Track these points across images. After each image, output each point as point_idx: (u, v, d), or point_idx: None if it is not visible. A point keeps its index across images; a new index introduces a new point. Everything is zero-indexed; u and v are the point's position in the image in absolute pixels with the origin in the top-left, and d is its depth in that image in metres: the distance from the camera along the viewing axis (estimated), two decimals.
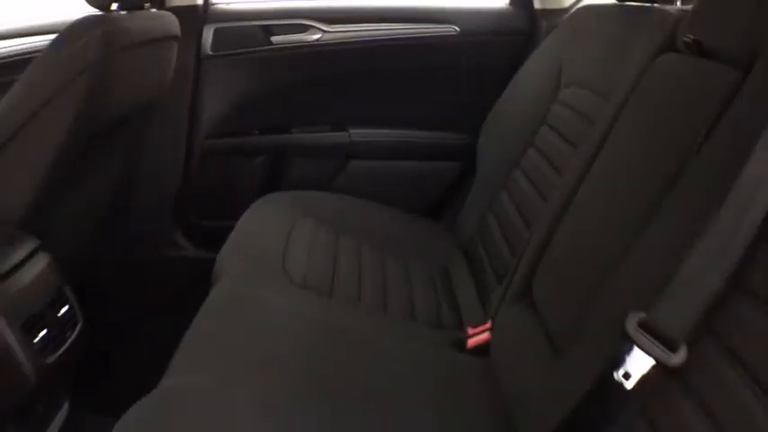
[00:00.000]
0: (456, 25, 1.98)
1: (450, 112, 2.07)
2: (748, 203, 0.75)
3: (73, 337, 1.23)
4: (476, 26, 2.00)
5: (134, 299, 1.80)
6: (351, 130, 2.07)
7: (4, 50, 1.98)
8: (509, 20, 2.03)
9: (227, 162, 2.07)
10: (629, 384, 0.81)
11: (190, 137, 2.00)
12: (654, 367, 0.79)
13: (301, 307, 1.34)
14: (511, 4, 2.06)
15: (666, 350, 0.77)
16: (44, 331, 1.15)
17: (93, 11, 1.40)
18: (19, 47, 1.98)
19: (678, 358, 0.76)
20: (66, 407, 1.38)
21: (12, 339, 1.07)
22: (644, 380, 0.80)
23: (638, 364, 0.81)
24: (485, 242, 1.64)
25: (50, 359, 1.15)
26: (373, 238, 1.73)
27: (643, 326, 0.80)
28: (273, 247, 1.54)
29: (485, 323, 1.37)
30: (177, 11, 1.71)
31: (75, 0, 1.47)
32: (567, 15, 1.78)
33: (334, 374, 1.14)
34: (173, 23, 1.63)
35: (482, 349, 1.32)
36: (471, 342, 1.34)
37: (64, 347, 1.19)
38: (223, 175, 2.08)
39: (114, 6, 1.43)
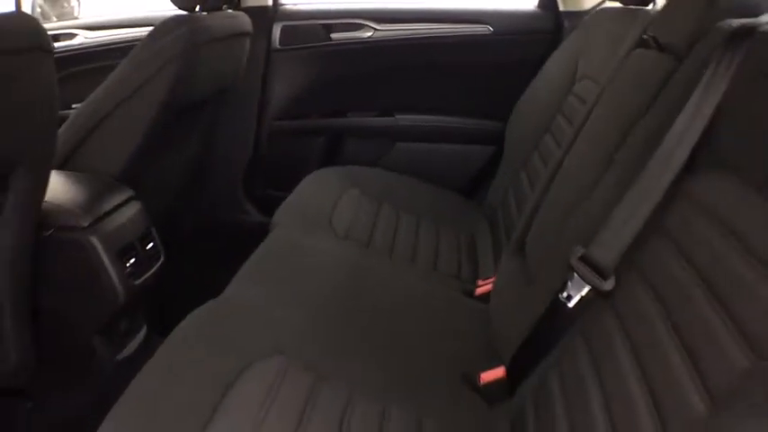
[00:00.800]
0: (490, 25, 2.13)
1: (483, 102, 2.20)
2: (667, 162, 0.92)
3: (155, 267, 1.47)
4: (507, 26, 2.14)
5: (206, 254, 1.98)
6: (397, 116, 2.23)
7: (110, 38, 2.26)
8: (536, 21, 2.16)
9: (291, 141, 2.27)
10: (570, 304, 1.00)
11: (260, 118, 2.21)
12: (589, 291, 0.97)
13: (340, 252, 1.53)
14: (538, 6, 2.18)
15: (599, 278, 0.95)
16: (133, 259, 1.40)
17: (180, 12, 1.64)
18: (122, 36, 2.26)
19: (608, 285, 0.94)
20: (144, 330, 1.58)
21: (107, 262, 1.32)
22: (582, 302, 0.99)
23: (577, 289, 0.99)
24: (504, 213, 1.80)
25: (137, 282, 1.39)
26: (411, 207, 1.88)
27: (582, 259, 0.98)
28: (322, 208, 1.72)
29: (494, 276, 1.54)
30: (250, 11, 1.94)
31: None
32: (587, 17, 1.90)
33: (358, 302, 1.34)
34: (246, 22, 1.85)
35: (487, 297, 1.48)
36: (478, 291, 1.52)
37: (148, 274, 1.44)
38: (287, 151, 2.27)
39: (197, 8, 1.67)
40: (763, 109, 0.80)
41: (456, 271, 1.64)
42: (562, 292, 1.01)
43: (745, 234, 0.71)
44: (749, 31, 0.91)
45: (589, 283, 0.96)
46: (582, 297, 0.98)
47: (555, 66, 1.90)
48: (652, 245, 0.89)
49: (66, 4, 2.47)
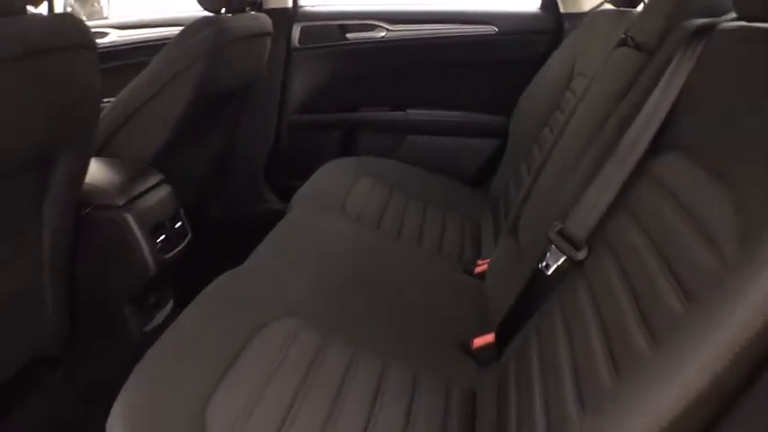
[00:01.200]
0: (495, 26, 2.22)
1: (488, 98, 2.29)
2: (633, 145, 1.01)
3: (183, 244, 1.60)
4: (511, 27, 2.23)
5: (229, 237, 2.05)
6: (408, 111, 2.34)
7: (140, 37, 2.39)
8: (539, 22, 2.25)
9: (309, 134, 2.38)
10: (548, 272, 1.10)
11: (280, 113, 2.33)
12: (565, 261, 1.07)
13: (352, 232, 1.64)
14: (541, 8, 2.27)
15: (573, 249, 1.05)
16: (163, 236, 1.52)
17: (207, 13, 1.76)
18: (151, 35, 2.38)
19: (581, 255, 1.03)
20: (171, 303, 1.69)
21: (140, 237, 1.44)
22: (559, 270, 1.09)
23: (555, 259, 1.09)
24: (505, 202, 1.89)
25: (167, 256, 1.52)
26: (420, 195, 1.97)
27: (560, 232, 1.08)
28: (336, 193, 1.82)
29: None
30: (271, 13, 2.07)
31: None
32: (585, 18, 1.99)
33: (366, 275, 1.45)
34: (267, 23, 1.97)
35: (485, 275, 1.59)
36: (477, 269, 1.62)
37: (176, 250, 1.56)
38: (306, 144, 2.38)
39: (223, 10, 1.78)
40: (713, 98, 0.90)
41: (459, 253, 1.74)
42: (542, 262, 1.11)
43: (692, 208, 0.80)
44: (708, 29, 1.01)
45: (565, 254, 1.06)
46: (558, 266, 1.08)
47: (555, 64, 1.99)
48: (618, 219, 0.98)
49: (95, 4, 2.60)
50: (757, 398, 0.54)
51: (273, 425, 0.94)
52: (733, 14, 1.06)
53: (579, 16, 2.07)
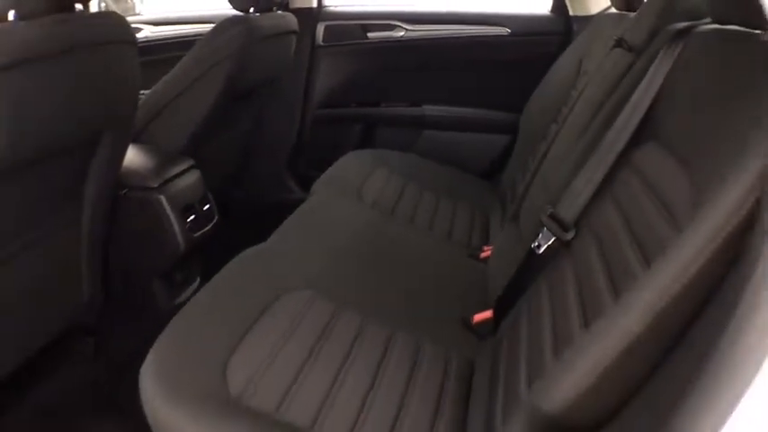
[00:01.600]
0: (508, 27, 2.30)
1: (501, 95, 2.36)
2: (617, 137, 1.10)
3: (211, 225, 1.71)
4: (523, 28, 2.31)
5: (252, 223, 2.19)
6: (424, 107, 2.43)
7: (172, 33, 2.50)
8: (549, 24, 2.32)
9: (331, 127, 2.48)
10: (539, 251, 1.19)
11: (304, 107, 2.43)
12: (555, 241, 1.16)
13: (367, 216, 1.73)
14: (551, 11, 2.34)
15: (561, 230, 1.14)
16: (192, 216, 1.63)
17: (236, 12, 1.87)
18: (183, 31, 2.50)
19: (568, 236, 1.12)
20: (197, 281, 1.79)
21: (172, 217, 1.56)
22: (549, 250, 1.18)
23: (546, 240, 1.18)
24: (512, 193, 1.96)
25: (195, 235, 1.63)
26: (433, 186, 2.05)
27: (551, 216, 1.17)
28: (354, 182, 1.91)
29: None
30: (297, 12, 2.16)
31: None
32: (593, 21, 2.05)
33: (378, 254, 1.55)
34: (293, 22, 2.07)
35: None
36: (483, 255, 1.71)
37: (205, 230, 1.67)
38: (327, 137, 2.48)
39: (251, 9, 1.89)
40: (686, 93, 0.98)
41: (467, 240, 1.81)
42: (534, 242, 1.20)
43: (660, 190, 0.89)
44: (688, 31, 1.09)
45: (555, 235, 1.15)
46: (549, 246, 1.17)
47: (563, 64, 2.06)
48: (602, 203, 1.07)
49: (128, 1, 2.74)
50: (699, 327, 0.64)
51: (287, 380, 1.04)
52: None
53: (587, 19, 2.14)
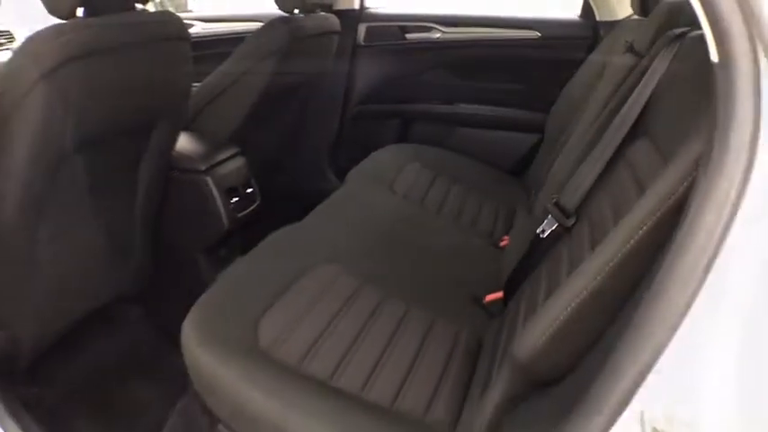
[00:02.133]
0: (538, 31, 2.37)
1: (530, 96, 2.44)
2: (616, 133, 1.20)
3: (252, 207, 1.84)
4: (553, 32, 2.38)
5: (292, 211, 2.31)
6: (457, 105, 2.52)
7: (222, 30, 2.64)
8: (577, 28, 2.39)
9: (369, 122, 2.59)
10: (543, 236, 1.29)
11: (345, 103, 2.55)
12: (557, 227, 1.26)
13: (396, 204, 1.84)
14: (580, 16, 2.41)
15: (564, 217, 1.24)
16: (236, 198, 1.77)
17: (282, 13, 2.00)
18: (232, 29, 2.63)
19: (569, 222, 1.23)
20: (239, 258, 1.85)
21: (217, 197, 1.70)
22: (552, 235, 1.28)
23: (549, 225, 1.28)
24: (537, 189, 2.05)
25: (238, 215, 1.77)
26: (463, 180, 2.14)
27: (555, 204, 1.28)
28: (387, 173, 2.02)
29: None
30: (339, 13, 2.28)
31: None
32: (618, 26, 2.12)
33: (403, 238, 1.66)
34: (335, 23, 2.19)
35: None
36: (502, 243, 1.81)
37: (247, 210, 1.80)
38: (366, 131, 2.59)
39: (296, 10, 2.02)
40: (674, 93, 1.08)
41: (490, 230, 1.90)
42: (539, 227, 1.31)
43: (645, 183, 0.98)
44: (682, 36, 1.18)
45: (557, 221, 1.25)
46: (552, 231, 1.27)
47: (589, 66, 2.13)
48: (598, 192, 1.17)
49: None
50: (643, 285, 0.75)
51: (310, 339, 1.17)
52: None
53: (613, 24, 2.20)
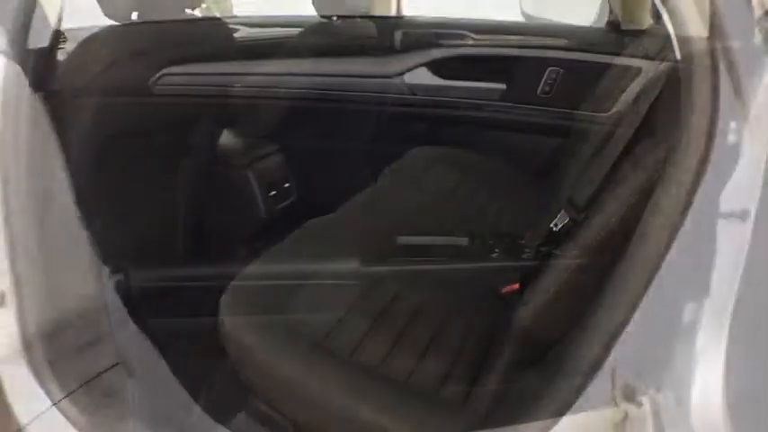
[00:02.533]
0: (566, 38, 2.44)
1: (557, 100, 2.46)
2: (624, 133, 1.27)
3: (289, 201, 1.96)
4: (579, 40, 2.44)
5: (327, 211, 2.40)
6: (486, 109, 2.55)
7: (268, 34, 2.64)
8: (604, 36, 2.44)
9: (402, 125, 2.62)
10: (556, 229, 1.37)
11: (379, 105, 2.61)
12: (568, 221, 1.34)
13: (421, 200, 1.92)
14: (606, 25, 2.46)
15: (575, 212, 1.32)
16: (274, 192, 1.89)
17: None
18: (277, 32, 2.61)
19: (579, 217, 1.30)
20: None
21: (257, 189, 1.81)
22: (563, 229, 1.36)
23: (562, 219, 1.36)
24: (561, 190, 2.11)
25: (276, 207, 1.88)
26: (489, 181, 2.19)
27: (568, 200, 1.36)
28: (416, 173, 2.10)
29: None
30: (376, 20, 2.38)
31: None
32: (642, 35, 2.16)
33: (422, 231, 1.72)
34: (371, 29, 2.30)
35: None
36: (521, 241, 1.88)
37: (284, 204, 1.92)
38: (398, 133, 2.59)
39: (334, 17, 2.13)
40: (671, 95, 1.15)
41: (513, 230, 1.92)
42: (554, 223, 1.39)
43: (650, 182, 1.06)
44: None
45: (569, 216, 1.33)
46: (564, 225, 1.35)
47: (612, 73, 2.18)
48: (607, 187, 1.24)
49: (227, 3, 3.01)
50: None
51: (335, 320, 1.27)
52: None
53: (638, 33, 2.24)
